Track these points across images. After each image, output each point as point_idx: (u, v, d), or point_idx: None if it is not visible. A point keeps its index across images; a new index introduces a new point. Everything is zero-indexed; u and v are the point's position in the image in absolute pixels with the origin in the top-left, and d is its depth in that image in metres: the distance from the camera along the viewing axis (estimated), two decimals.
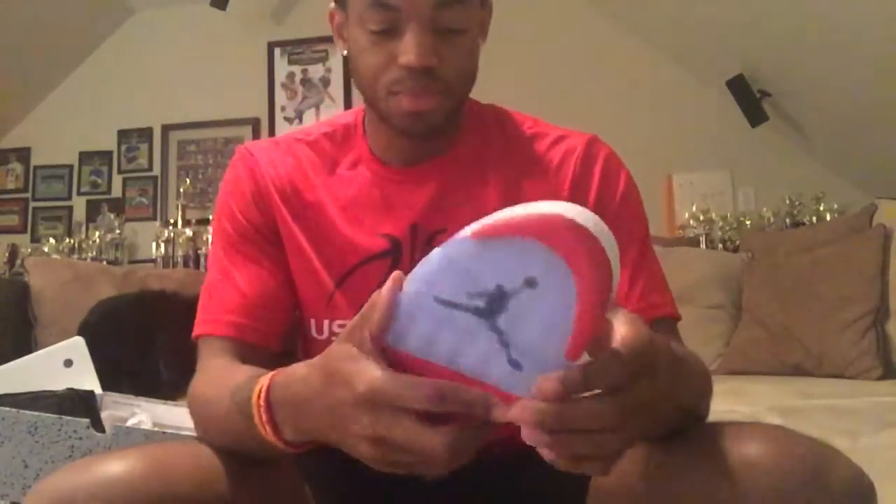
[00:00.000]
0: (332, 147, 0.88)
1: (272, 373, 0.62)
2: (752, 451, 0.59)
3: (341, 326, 0.82)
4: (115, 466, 0.62)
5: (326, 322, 0.84)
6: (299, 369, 0.58)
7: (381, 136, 0.85)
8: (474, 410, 0.49)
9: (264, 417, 0.60)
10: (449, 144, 0.86)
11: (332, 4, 0.84)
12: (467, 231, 0.49)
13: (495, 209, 0.71)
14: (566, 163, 0.85)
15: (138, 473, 0.62)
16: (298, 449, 0.62)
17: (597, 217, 0.48)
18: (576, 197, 0.82)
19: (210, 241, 3.35)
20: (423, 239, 0.82)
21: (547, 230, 0.46)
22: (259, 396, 0.60)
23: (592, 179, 0.84)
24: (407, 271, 0.74)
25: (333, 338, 0.78)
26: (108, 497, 0.60)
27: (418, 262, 0.52)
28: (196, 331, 0.82)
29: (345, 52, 0.82)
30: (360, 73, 0.80)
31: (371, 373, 0.50)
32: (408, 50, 0.73)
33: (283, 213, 0.84)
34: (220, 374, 0.75)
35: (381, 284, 0.70)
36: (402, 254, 0.82)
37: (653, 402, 0.50)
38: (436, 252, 0.51)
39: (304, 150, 0.88)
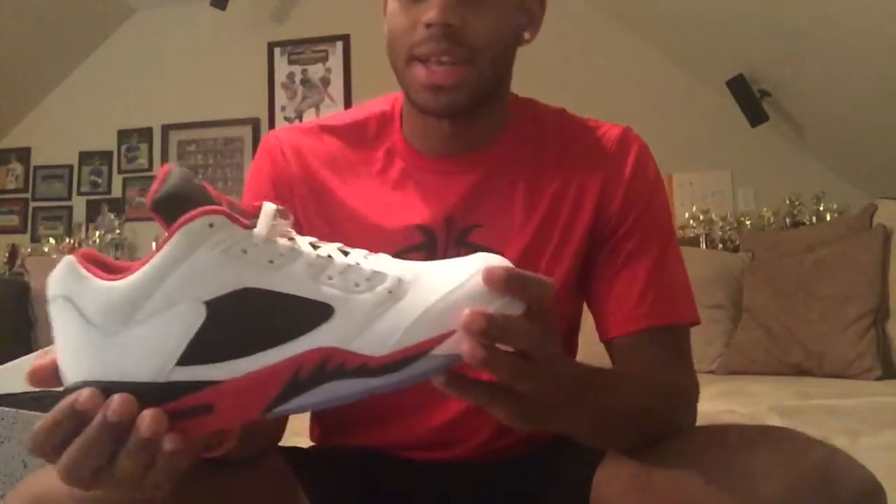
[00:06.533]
0: (363, 136, 0.85)
1: None
2: (759, 460, 0.57)
3: None
4: None
5: None
6: None
7: (417, 124, 0.82)
8: None
9: None
10: (495, 138, 0.83)
11: None
12: None
13: (532, 215, 0.78)
14: (607, 152, 0.82)
15: None
16: None
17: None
18: (608, 187, 0.80)
19: None
20: (456, 232, 0.79)
21: None
22: None
23: (625, 170, 0.81)
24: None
25: None
26: (82, 497, 0.57)
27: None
28: None
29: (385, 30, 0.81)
30: (388, 41, 0.78)
31: None
32: (430, 7, 0.72)
33: (305, 204, 0.82)
34: None
35: None
36: (437, 247, 0.79)
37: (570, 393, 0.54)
38: None
39: (331, 139, 0.85)
